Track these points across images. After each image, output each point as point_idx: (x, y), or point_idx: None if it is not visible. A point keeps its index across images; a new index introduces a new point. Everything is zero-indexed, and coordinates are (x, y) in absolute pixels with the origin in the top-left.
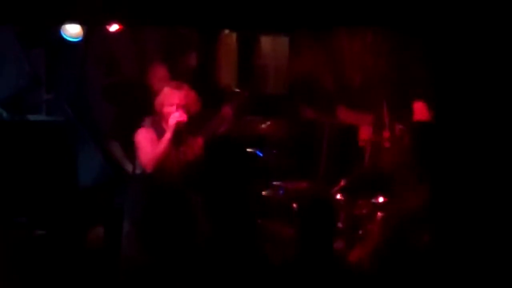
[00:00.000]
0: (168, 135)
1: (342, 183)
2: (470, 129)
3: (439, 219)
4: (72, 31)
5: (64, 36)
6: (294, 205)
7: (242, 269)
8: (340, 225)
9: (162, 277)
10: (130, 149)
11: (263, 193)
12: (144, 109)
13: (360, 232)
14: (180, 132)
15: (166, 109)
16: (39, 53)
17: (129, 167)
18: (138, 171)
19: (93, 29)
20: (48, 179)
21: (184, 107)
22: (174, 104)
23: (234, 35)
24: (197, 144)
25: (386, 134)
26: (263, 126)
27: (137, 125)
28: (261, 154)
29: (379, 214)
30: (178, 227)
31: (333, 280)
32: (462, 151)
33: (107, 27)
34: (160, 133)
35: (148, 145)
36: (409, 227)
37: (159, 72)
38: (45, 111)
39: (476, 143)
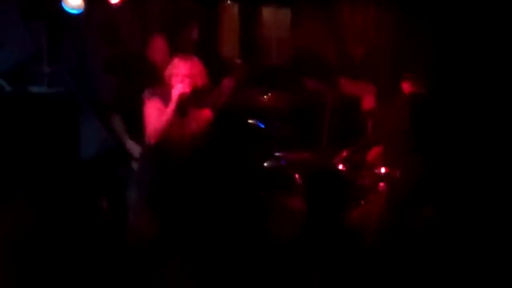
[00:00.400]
0: (171, 107)
1: (345, 153)
2: (469, 101)
3: (438, 190)
4: (73, 3)
5: (65, 8)
6: (297, 176)
7: (246, 239)
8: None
9: (168, 248)
10: (131, 121)
11: (265, 164)
12: (145, 81)
13: (363, 202)
14: (184, 103)
15: (173, 80)
16: (41, 26)
17: (128, 140)
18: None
19: (94, 0)
20: (50, 151)
21: (189, 78)
22: (179, 75)
23: (236, 7)
24: (201, 115)
25: (388, 104)
26: (265, 97)
27: (138, 98)
28: (263, 126)
29: (381, 184)
30: (185, 198)
31: (340, 250)
32: (460, 122)
33: None
34: (168, 103)
35: (155, 116)
36: (409, 198)
37: (158, 44)
38: (47, 83)
39: (475, 114)
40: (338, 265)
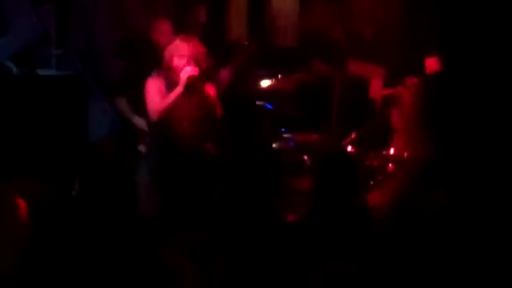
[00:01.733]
0: (179, 89)
1: (353, 135)
2: (483, 82)
3: (450, 173)
4: None
5: None
6: (305, 157)
7: (254, 221)
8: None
9: (176, 227)
10: (138, 104)
11: (273, 145)
12: (153, 64)
13: (371, 183)
14: (191, 86)
15: (176, 61)
16: (49, 8)
17: (134, 117)
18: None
19: None
20: (58, 133)
21: (193, 59)
22: (183, 56)
23: None
24: (205, 95)
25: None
26: (273, 79)
27: (145, 80)
28: (271, 107)
29: (390, 166)
30: (192, 178)
31: (349, 233)
32: (474, 104)
33: None
34: (168, 84)
35: (156, 95)
36: (420, 180)
37: (164, 27)
38: (55, 66)
39: (489, 95)
40: (346, 248)
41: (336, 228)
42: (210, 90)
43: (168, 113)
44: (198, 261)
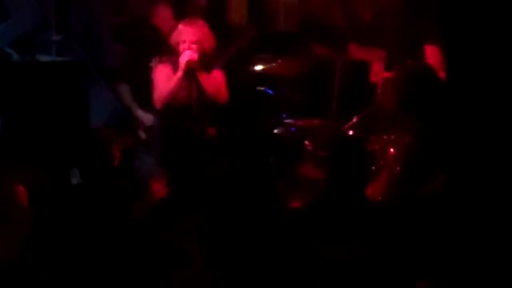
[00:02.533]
0: (179, 74)
1: (354, 119)
2: (484, 68)
3: (451, 159)
4: None
5: None
6: (306, 142)
7: (255, 206)
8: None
9: (179, 212)
10: (139, 90)
11: (274, 131)
12: (153, 50)
13: (373, 168)
14: (192, 70)
15: (181, 46)
16: None
17: (136, 107)
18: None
19: None
20: (59, 120)
21: (196, 43)
22: (186, 41)
23: None
24: (211, 80)
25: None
26: (274, 64)
27: (146, 66)
28: (271, 92)
29: (391, 150)
30: (194, 163)
31: (352, 216)
32: (474, 91)
33: None
34: (176, 70)
35: (163, 82)
36: (419, 165)
37: (164, 12)
38: (55, 52)
39: (490, 82)
40: (348, 234)
41: (345, 215)
42: (217, 75)
43: (172, 98)
44: (204, 243)
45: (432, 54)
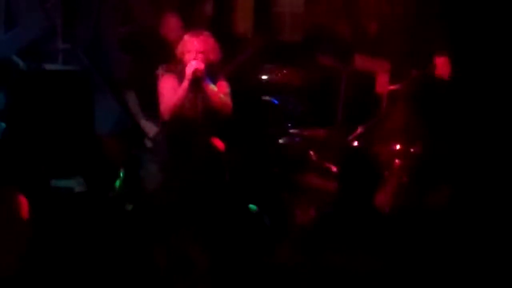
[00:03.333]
0: (185, 84)
1: (359, 130)
2: (489, 79)
3: (456, 169)
4: None
5: None
6: (311, 152)
7: (259, 216)
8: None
9: (183, 222)
10: (145, 98)
11: (280, 140)
12: (160, 59)
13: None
14: (198, 79)
15: (186, 57)
16: (56, 3)
17: (141, 117)
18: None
19: None
20: (65, 128)
21: (202, 54)
22: (192, 51)
23: None
24: (214, 90)
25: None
26: (279, 74)
27: (152, 75)
28: (277, 102)
29: (396, 160)
30: (199, 171)
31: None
32: (480, 101)
33: None
34: (182, 80)
35: (169, 93)
36: (426, 175)
37: (172, 22)
38: (62, 61)
39: (495, 92)
40: (354, 242)
41: (352, 225)
42: (222, 86)
43: (179, 109)
44: (207, 249)
45: (442, 65)
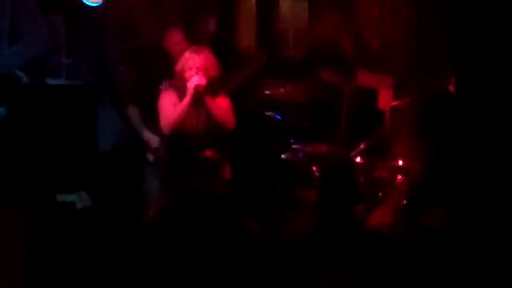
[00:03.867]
0: (187, 99)
1: (362, 146)
2: (490, 96)
3: (456, 187)
4: None
5: (84, 0)
6: (314, 168)
7: (261, 231)
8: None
9: (185, 237)
10: (148, 113)
11: (282, 156)
12: (163, 73)
13: (380, 194)
14: (200, 95)
15: (187, 73)
16: (59, 18)
17: (145, 131)
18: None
19: None
20: (68, 142)
21: (203, 70)
22: (193, 68)
23: None
24: (218, 106)
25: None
26: (282, 89)
27: (156, 90)
28: (279, 118)
29: (399, 177)
30: (201, 188)
31: (354, 244)
32: (480, 117)
33: None
34: (181, 96)
35: (169, 108)
36: (427, 192)
37: (175, 36)
38: (65, 75)
39: (496, 109)
40: (353, 260)
41: (340, 241)
42: (223, 101)
43: (180, 124)
44: (208, 262)
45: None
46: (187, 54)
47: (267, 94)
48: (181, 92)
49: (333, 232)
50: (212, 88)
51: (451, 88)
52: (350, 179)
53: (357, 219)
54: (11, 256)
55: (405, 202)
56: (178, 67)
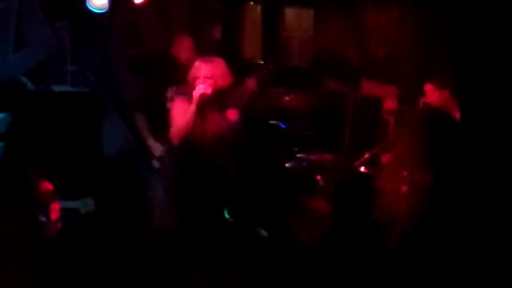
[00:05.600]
0: (192, 108)
1: (366, 155)
2: (495, 107)
3: (463, 195)
4: (98, 2)
5: (90, 7)
6: (318, 177)
7: (266, 239)
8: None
9: (189, 244)
10: (154, 120)
11: (287, 165)
12: (169, 81)
13: (384, 205)
14: (205, 104)
15: (196, 82)
16: (65, 25)
17: (151, 139)
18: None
19: (118, 0)
20: (73, 149)
21: (210, 79)
22: (201, 77)
23: (259, 7)
24: (224, 116)
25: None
26: (287, 98)
27: (162, 97)
28: (284, 126)
29: (403, 187)
30: (207, 197)
31: (363, 253)
32: (485, 128)
33: None
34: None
35: (179, 115)
36: (432, 201)
37: (185, 44)
38: (70, 82)
39: (500, 120)
40: (361, 268)
41: (353, 249)
42: (231, 112)
43: (188, 133)
44: (211, 270)
45: (430, 93)
46: (197, 63)
47: (272, 103)
48: (190, 99)
49: (346, 242)
50: (220, 97)
51: (456, 98)
52: (366, 190)
53: (369, 229)
54: (21, 260)
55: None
56: (190, 75)
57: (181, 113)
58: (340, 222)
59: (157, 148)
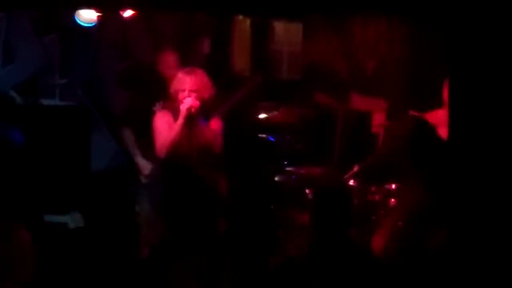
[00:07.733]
0: (180, 121)
1: (355, 169)
2: (485, 121)
3: (452, 211)
4: (86, 16)
5: (78, 22)
6: (307, 191)
7: (255, 252)
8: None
9: (179, 258)
10: (142, 135)
11: (276, 178)
12: (157, 95)
13: (373, 218)
14: (193, 117)
15: (180, 95)
16: (54, 39)
17: (138, 154)
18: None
19: (106, 14)
20: (61, 163)
21: (196, 92)
22: (186, 90)
23: (248, 21)
24: (210, 127)
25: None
26: (276, 111)
27: (150, 111)
28: (273, 140)
29: (392, 200)
30: (194, 210)
31: (348, 267)
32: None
33: (121, 12)
34: (176, 118)
35: (164, 130)
36: (421, 216)
37: (169, 59)
38: (59, 96)
39: (492, 134)
40: (346, 282)
41: (334, 263)
42: (214, 123)
43: (175, 146)
44: (203, 283)
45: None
46: (180, 75)
47: (261, 117)
48: (175, 114)
49: (327, 255)
50: (205, 109)
51: (446, 110)
52: (345, 202)
53: (351, 242)
54: (18, 275)
55: (400, 226)
56: (172, 88)
57: (165, 127)
58: (319, 235)
59: (145, 167)
